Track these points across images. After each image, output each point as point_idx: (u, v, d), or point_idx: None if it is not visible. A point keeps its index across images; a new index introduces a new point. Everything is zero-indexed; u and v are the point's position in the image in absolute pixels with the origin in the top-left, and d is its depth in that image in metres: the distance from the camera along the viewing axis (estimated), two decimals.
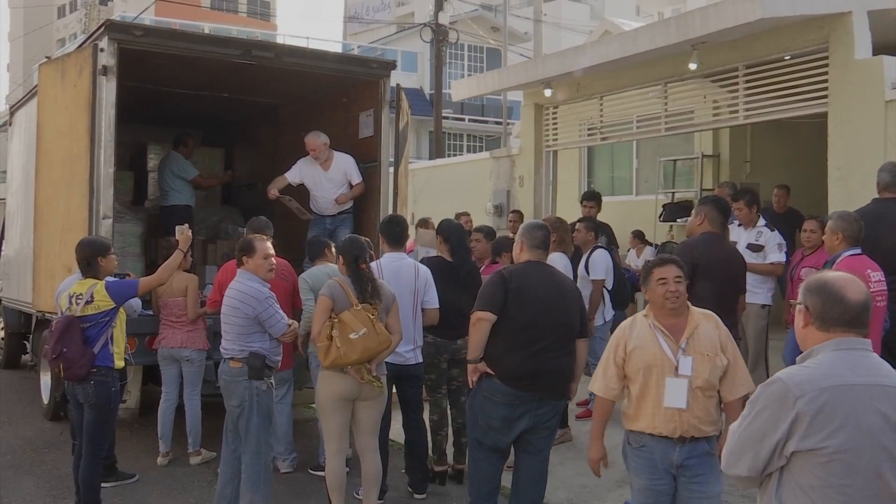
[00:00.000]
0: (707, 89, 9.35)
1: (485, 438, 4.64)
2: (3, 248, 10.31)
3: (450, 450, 6.19)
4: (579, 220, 8.01)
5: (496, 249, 6.78)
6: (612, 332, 4.20)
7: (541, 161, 11.70)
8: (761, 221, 7.07)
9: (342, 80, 8.34)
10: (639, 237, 10.44)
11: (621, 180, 13.28)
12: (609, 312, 7.35)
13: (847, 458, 2.29)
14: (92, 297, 5.20)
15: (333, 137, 8.00)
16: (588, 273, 7.19)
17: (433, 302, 5.72)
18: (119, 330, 5.51)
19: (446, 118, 26.22)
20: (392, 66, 8.13)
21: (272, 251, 5.20)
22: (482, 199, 12.92)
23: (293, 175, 8.02)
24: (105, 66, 6.57)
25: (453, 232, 6.19)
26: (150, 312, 6.73)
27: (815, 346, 2.46)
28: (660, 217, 11.32)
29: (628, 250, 10.37)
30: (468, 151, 32.15)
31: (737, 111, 8.86)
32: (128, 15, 30.97)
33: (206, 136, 10.68)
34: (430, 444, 6.04)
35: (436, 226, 6.69)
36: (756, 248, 6.86)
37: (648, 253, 9.84)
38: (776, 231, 6.98)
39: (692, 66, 8.67)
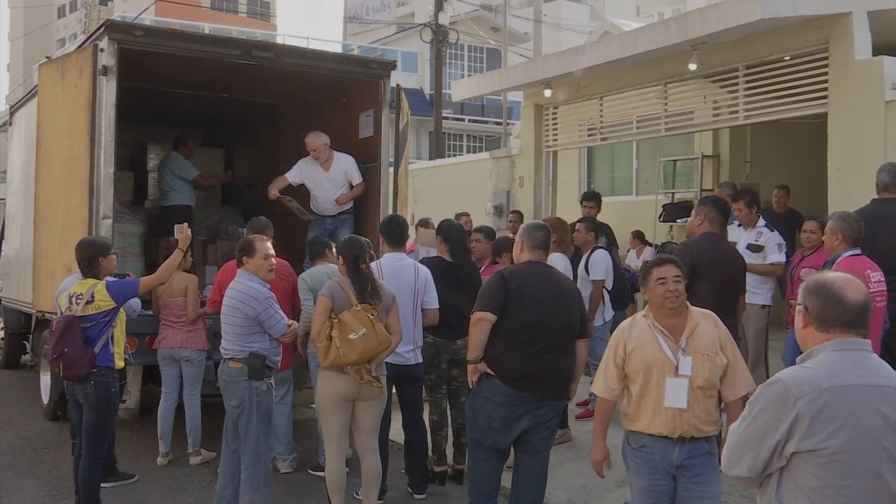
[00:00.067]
0: (707, 90, 9.35)
1: (485, 439, 4.64)
2: (3, 248, 10.31)
3: (449, 450, 6.19)
4: (579, 221, 8.01)
5: (496, 250, 6.78)
6: (611, 333, 4.20)
7: (541, 161, 11.70)
8: (761, 222, 7.08)
9: (342, 80, 8.34)
10: (639, 237, 10.44)
11: (621, 181, 13.28)
12: (609, 313, 7.35)
13: (847, 458, 2.29)
14: (92, 296, 5.20)
15: (333, 138, 8.00)
16: (588, 273, 7.19)
17: (433, 302, 5.72)
18: (119, 330, 5.51)
19: (446, 118, 26.22)
20: (392, 66, 8.13)
21: (272, 251, 5.20)
22: (482, 200, 12.92)
23: (293, 175, 8.02)
24: (105, 66, 6.57)
25: (453, 232, 6.19)
26: (150, 312, 6.73)
27: (814, 346, 2.46)
28: (660, 217, 11.32)
29: (628, 251, 10.37)
30: (468, 152, 32.15)
31: (737, 111, 8.86)
32: (128, 15, 30.98)
33: (206, 136, 10.69)
34: (429, 445, 6.04)
35: (436, 226, 6.69)
36: (756, 248, 6.86)
37: (648, 253, 9.83)
38: (776, 231, 6.99)
39: (692, 67, 8.67)
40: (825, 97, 7.69)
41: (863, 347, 2.43)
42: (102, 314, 5.24)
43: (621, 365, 3.87)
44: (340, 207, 7.98)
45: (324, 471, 5.27)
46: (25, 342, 10.12)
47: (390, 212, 7.68)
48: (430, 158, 22.18)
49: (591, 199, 8.90)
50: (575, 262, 7.09)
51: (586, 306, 5.57)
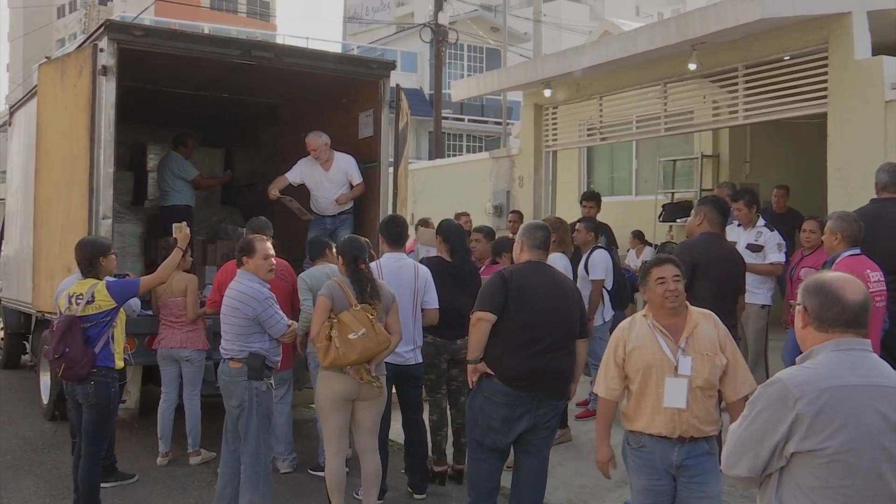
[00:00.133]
0: (707, 89, 9.35)
1: (485, 439, 4.64)
2: (2, 248, 10.31)
3: (449, 450, 6.20)
4: (579, 221, 8.02)
5: (496, 250, 6.78)
6: (611, 333, 4.20)
7: (540, 161, 11.70)
8: (761, 222, 7.08)
9: (342, 80, 8.34)
10: (638, 237, 10.44)
11: (621, 180, 13.28)
12: (609, 313, 7.35)
13: (847, 458, 2.29)
14: (93, 296, 5.20)
15: (333, 138, 8.00)
16: (587, 273, 7.19)
17: (433, 302, 5.72)
18: (119, 330, 5.51)
19: (446, 118, 26.23)
20: (392, 66, 8.13)
21: (272, 251, 5.20)
22: (482, 200, 12.92)
23: (294, 175, 8.02)
24: (105, 66, 6.57)
25: (453, 232, 6.18)
26: (150, 313, 6.73)
27: (814, 346, 2.46)
28: (659, 217, 11.32)
29: (628, 250, 10.38)
30: (468, 152, 32.14)
31: (736, 111, 8.86)
32: (127, 15, 30.98)
33: (206, 136, 10.69)
34: (429, 445, 6.04)
35: (435, 226, 6.69)
36: (755, 248, 6.86)
37: (648, 253, 9.83)
38: (776, 231, 6.99)
39: (692, 67, 8.67)
40: (825, 97, 7.69)
41: (862, 347, 2.43)
42: (103, 314, 5.24)
43: (621, 364, 3.86)
44: (340, 207, 7.98)
45: (324, 471, 5.27)
46: (25, 342, 10.13)
47: (390, 212, 7.68)
48: (430, 158, 22.18)
49: (591, 198, 8.91)
50: (575, 262, 7.10)
51: (586, 306, 5.57)
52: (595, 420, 4.19)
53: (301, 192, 8.10)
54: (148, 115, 9.53)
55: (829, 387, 2.32)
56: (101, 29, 6.82)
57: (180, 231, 5.77)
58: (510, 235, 7.63)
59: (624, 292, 7.66)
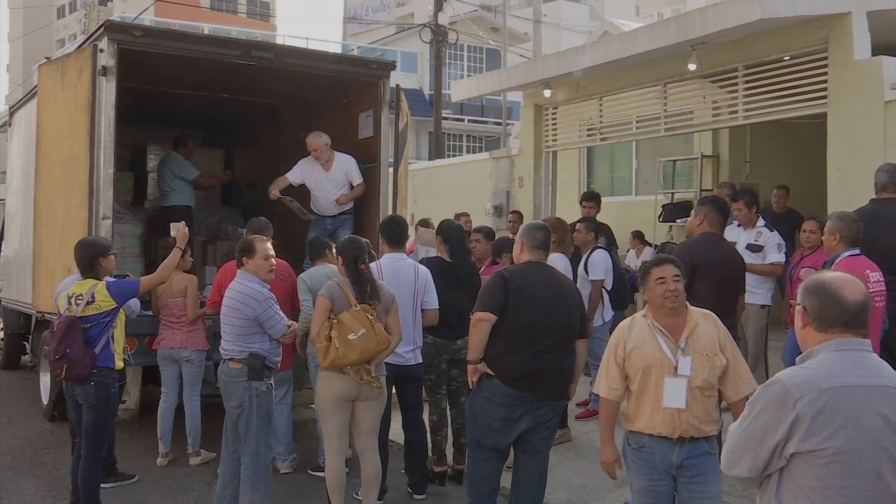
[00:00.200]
0: (706, 90, 9.35)
1: (485, 439, 4.64)
2: (2, 248, 10.31)
3: (449, 450, 6.20)
4: (579, 221, 8.02)
5: (497, 250, 6.78)
6: (611, 333, 4.20)
7: (540, 161, 11.70)
8: (761, 222, 7.08)
9: (342, 80, 8.34)
10: (638, 238, 10.45)
11: (621, 181, 13.29)
12: (608, 313, 7.35)
13: (847, 459, 2.29)
14: (93, 297, 5.20)
15: (333, 138, 8.00)
16: (587, 273, 7.19)
17: (433, 302, 5.72)
18: (118, 330, 5.51)
19: (446, 119, 26.22)
20: (391, 66, 8.13)
21: (272, 252, 5.20)
22: (482, 200, 12.92)
23: (294, 175, 8.02)
24: (105, 66, 6.57)
25: (453, 232, 6.18)
26: (150, 313, 6.73)
27: (814, 346, 2.45)
28: (659, 217, 11.32)
29: (628, 251, 10.38)
30: (468, 152, 32.14)
31: (736, 111, 8.86)
32: (127, 15, 30.98)
33: (206, 136, 10.69)
34: (429, 445, 6.04)
35: (435, 226, 6.69)
36: (755, 248, 6.86)
37: (648, 253, 9.84)
38: (775, 231, 6.99)
39: (692, 67, 8.67)
40: (825, 97, 7.69)
41: (863, 347, 2.43)
42: (103, 314, 5.24)
43: (622, 364, 3.86)
44: (341, 208, 7.98)
45: (323, 471, 5.27)
46: (25, 343, 10.12)
47: (390, 212, 7.68)
48: (430, 159, 22.19)
49: (591, 199, 8.91)
50: (575, 263, 7.10)
51: (586, 307, 5.57)
52: (595, 420, 4.20)
53: (301, 193, 8.10)
54: (148, 115, 9.53)
55: (829, 387, 2.32)
56: (101, 29, 6.82)
57: (179, 230, 5.77)
58: (510, 236, 7.62)
59: (624, 293, 7.66)
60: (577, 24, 34.84)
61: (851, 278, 2.51)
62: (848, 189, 7.28)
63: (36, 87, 7.86)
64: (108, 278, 5.51)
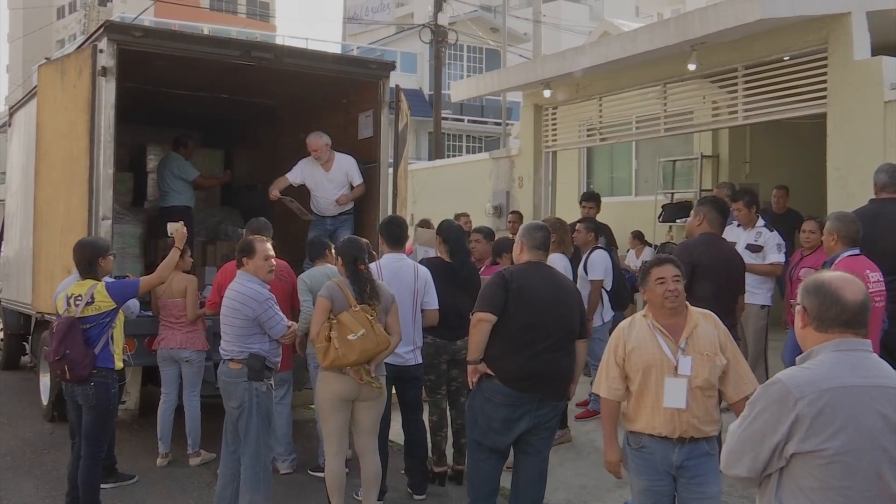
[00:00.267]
0: (706, 90, 9.35)
1: (484, 439, 4.64)
2: (2, 248, 10.31)
3: (449, 451, 6.19)
4: (579, 221, 8.02)
5: (497, 250, 6.78)
6: (611, 334, 4.20)
7: (540, 162, 11.70)
8: (760, 222, 7.08)
9: (341, 81, 8.34)
10: (638, 238, 10.45)
11: (620, 181, 13.29)
12: (608, 313, 7.35)
13: (847, 459, 2.29)
14: (92, 297, 5.20)
15: (333, 138, 8.00)
16: (587, 274, 7.19)
17: (433, 303, 5.72)
18: (118, 331, 5.51)
19: (445, 119, 26.22)
20: (391, 66, 8.13)
21: (272, 252, 5.20)
22: (481, 200, 12.92)
23: (294, 176, 8.02)
24: (104, 67, 6.57)
25: (452, 233, 6.18)
26: (150, 313, 6.73)
27: (814, 346, 2.45)
28: (659, 218, 11.32)
29: (627, 251, 10.38)
30: (467, 152, 32.13)
31: (736, 112, 8.86)
32: (127, 16, 30.98)
33: (206, 137, 10.69)
34: (429, 445, 6.04)
35: (435, 227, 6.69)
36: (755, 248, 6.86)
37: (648, 253, 9.84)
38: (775, 231, 6.99)
39: (691, 67, 8.67)
40: (824, 97, 7.69)
41: (863, 348, 2.43)
42: (102, 315, 5.23)
43: (622, 364, 3.86)
44: (341, 208, 7.98)
45: (323, 471, 5.27)
46: (25, 343, 10.12)
47: (390, 212, 7.69)
48: (430, 159, 22.19)
49: (591, 199, 8.91)
50: (575, 263, 7.09)
51: (585, 307, 5.57)
52: (595, 420, 4.20)
53: (301, 193, 8.10)
54: (148, 115, 9.53)
55: (830, 388, 2.32)
56: (101, 30, 6.81)
57: (177, 230, 5.77)
58: (510, 236, 7.63)
59: (623, 293, 7.66)
60: (576, 24, 34.86)
61: (851, 278, 2.51)
62: (847, 189, 7.28)
63: (36, 87, 7.86)
64: (107, 279, 5.51)
